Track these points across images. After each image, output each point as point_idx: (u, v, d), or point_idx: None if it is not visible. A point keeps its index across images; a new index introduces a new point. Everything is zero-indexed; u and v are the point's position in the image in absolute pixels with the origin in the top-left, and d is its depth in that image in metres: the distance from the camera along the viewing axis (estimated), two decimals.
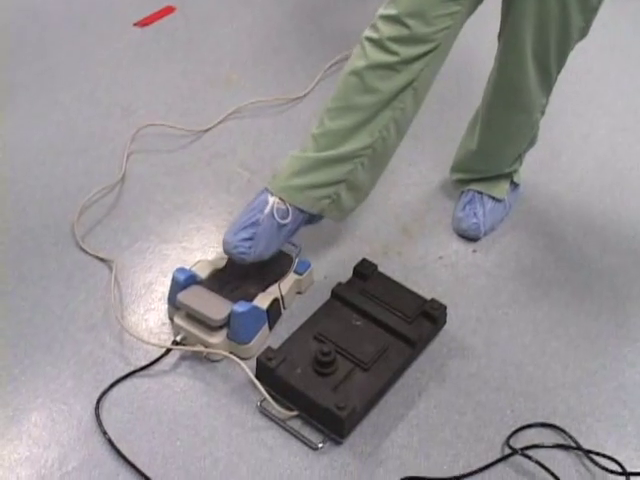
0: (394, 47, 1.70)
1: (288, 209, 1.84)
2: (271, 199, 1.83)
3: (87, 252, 2.02)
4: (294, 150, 1.90)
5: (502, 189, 2.12)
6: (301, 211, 1.86)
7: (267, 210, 1.82)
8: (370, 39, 1.73)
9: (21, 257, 2.01)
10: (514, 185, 2.16)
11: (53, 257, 2.01)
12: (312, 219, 1.92)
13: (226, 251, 1.82)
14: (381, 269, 1.91)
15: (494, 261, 2.04)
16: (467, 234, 2.09)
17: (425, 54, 1.70)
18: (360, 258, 1.93)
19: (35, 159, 2.32)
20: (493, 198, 2.10)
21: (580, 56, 2.79)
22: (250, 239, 1.80)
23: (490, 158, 2.08)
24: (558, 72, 1.91)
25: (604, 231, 2.14)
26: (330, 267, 2.00)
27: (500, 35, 1.86)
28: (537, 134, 2.09)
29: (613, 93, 2.70)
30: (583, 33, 1.84)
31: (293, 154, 1.88)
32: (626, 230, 2.14)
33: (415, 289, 1.88)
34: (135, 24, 2.98)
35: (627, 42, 3.00)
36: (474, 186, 2.14)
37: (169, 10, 3.06)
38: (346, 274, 1.91)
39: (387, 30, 1.70)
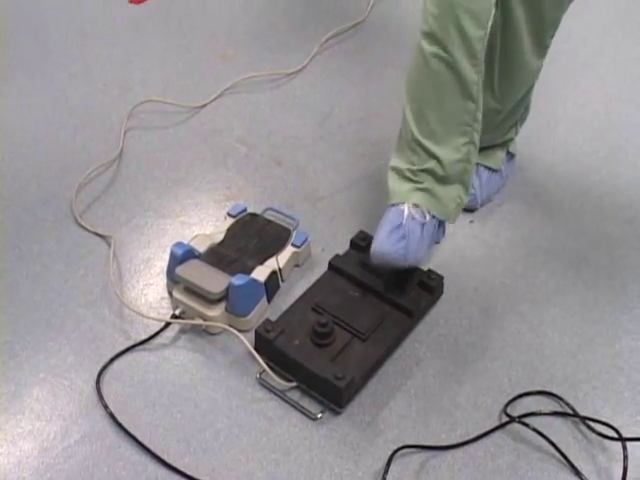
0: None
1: (423, 211, 1.78)
2: (404, 206, 1.78)
3: (85, 228, 2.03)
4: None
5: (498, 159, 2.11)
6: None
7: (406, 213, 1.76)
8: None
9: (20, 234, 2.02)
10: (510, 155, 2.16)
11: (52, 234, 2.02)
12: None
13: (382, 259, 1.74)
14: None
15: (491, 231, 2.05)
16: None
17: None
18: (357, 230, 1.93)
19: (33, 138, 2.33)
20: (489, 169, 2.10)
21: (576, 26, 2.79)
22: (403, 238, 1.73)
23: (486, 127, 2.07)
24: (552, 36, 1.90)
25: (600, 201, 2.15)
26: (327, 239, 2.00)
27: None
28: (530, 103, 2.09)
29: (609, 63, 2.70)
30: None
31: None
32: (622, 199, 2.15)
33: None
34: (130, 1, 2.97)
35: (623, 11, 2.99)
36: None
37: None
38: (343, 246, 1.92)
39: None
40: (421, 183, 1.79)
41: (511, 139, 2.13)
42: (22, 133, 2.34)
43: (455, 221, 1.88)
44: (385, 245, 1.73)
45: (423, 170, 1.79)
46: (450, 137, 1.76)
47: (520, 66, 1.90)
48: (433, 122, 1.76)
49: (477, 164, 2.08)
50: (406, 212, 1.76)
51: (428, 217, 1.78)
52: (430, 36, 1.69)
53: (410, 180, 1.81)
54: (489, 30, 1.67)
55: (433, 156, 1.77)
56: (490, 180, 2.10)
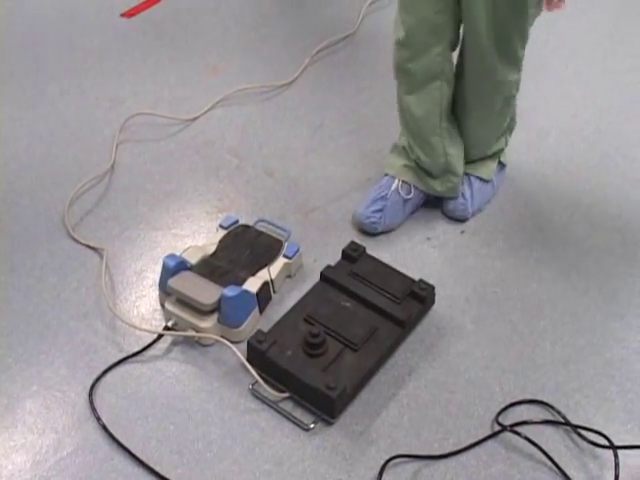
0: None
1: (411, 186, 2.07)
2: (395, 180, 2.08)
3: (78, 241, 2.03)
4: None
5: (489, 170, 2.13)
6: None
7: (393, 187, 2.07)
8: None
9: (12, 247, 2.02)
10: (501, 165, 2.18)
11: (44, 247, 2.02)
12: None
13: (359, 222, 2.06)
14: (369, 251, 1.93)
15: (482, 241, 2.06)
16: (454, 215, 2.10)
17: None
18: (348, 241, 1.94)
19: (25, 151, 2.33)
20: (480, 179, 2.12)
21: (566, 37, 2.82)
22: (380, 210, 2.04)
23: (473, 145, 2.08)
24: (522, 47, 1.90)
25: (591, 210, 2.16)
26: (319, 250, 2.01)
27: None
28: (515, 113, 2.10)
29: (599, 73, 2.71)
30: (540, 5, 1.83)
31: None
32: (612, 209, 2.16)
33: (403, 270, 1.90)
34: (122, 15, 2.98)
35: (612, 23, 3.01)
36: (465, 168, 2.13)
37: (156, 0, 3.06)
38: (335, 257, 1.93)
39: None
40: (413, 161, 2.07)
41: (501, 149, 2.15)
42: (14, 146, 2.35)
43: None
44: (363, 214, 2.04)
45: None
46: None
47: (488, 73, 1.90)
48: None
49: (468, 175, 2.10)
50: (394, 186, 2.07)
51: (413, 193, 2.08)
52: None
53: (405, 157, 2.09)
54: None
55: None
56: (481, 190, 2.12)
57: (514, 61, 1.91)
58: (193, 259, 1.87)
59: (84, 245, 2.02)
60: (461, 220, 2.11)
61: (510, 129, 2.13)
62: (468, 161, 2.13)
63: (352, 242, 1.93)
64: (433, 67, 1.89)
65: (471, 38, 1.85)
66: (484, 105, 1.99)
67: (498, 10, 1.76)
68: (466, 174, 2.12)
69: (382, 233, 2.06)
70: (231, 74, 2.67)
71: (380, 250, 1.99)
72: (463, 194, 2.10)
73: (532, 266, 1.99)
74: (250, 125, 2.45)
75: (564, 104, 2.56)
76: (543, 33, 2.74)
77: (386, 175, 2.11)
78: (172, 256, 1.83)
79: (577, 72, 2.71)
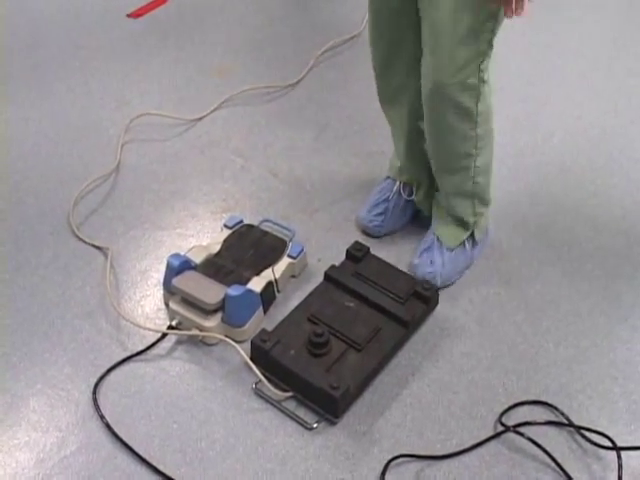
0: None
1: (413, 187, 2.05)
2: (396, 182, 2.07)
3: (83, 240, 2.04)
4: None
5: (457, 239, 1.95)
6: None
7: (395, 188, 2.06)
8: None
9: (18, 246, 2.03)
10: (474, 241, 1.98)
11: (49, 246, 2.03)
12: None
13: (362, 226, 2.07)
14: (373, 251, 1.93)
15: (480, 253, 2.04)
16: (423, 280, 1.90)
17: None
18: (353, 241, 1.95)
19: (30, 150, 2.34)
20: (448, 247, 1.95)
21: (571, 40, 2.82)
22: (382, 213, 2.04)
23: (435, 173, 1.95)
24: (479, 70, 1.67)
25: (595, 212, 2.16)
26: (323, 250, 2.02)
27: None
28: (487, 190, 1.93)
29: (604, 76, 2.71)
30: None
31: None
32: (616, 210, 2.16)
33: (407, 271, 1.91)
34: (128, 15, 2.99)
35: (617, 25, 3.01)
36: (436, 226, 1.98)
37: (162, 1, 3.07)
38: (339, 257, 1.93)
39: None
40: None
41: (476, 223, 1.96)
42: (20, 146, 2.36)
43: None
44: (366, 218, 2.05)
45: None
46: None
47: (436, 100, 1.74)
48: None
49: (440, 240, 1.97)
50: (395, 188, 2.06)
51: (415, 194, 2.05)
52: None
53: None
54: None
55: None
56: (453, 259, 1.95)
57: (468, 83, 1.69)
58: (197, 258, 1.87)
59: (89, 244, 2.03)
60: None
61: (480, 199, 1.93)
62: (441, 218, 1.99)
63: (356, 242, 1.94)
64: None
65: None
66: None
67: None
68: (438, 240, 1.96)
69: (386, 234, 2.06)
70: (236, 75, 2.68)
71: (384, 250, 1.99)
72: (432, 261, 1.93)
73: (536, 267, 1.99)
74: (255, 125, 2.46)
75: (569, 106, 2.56)
76: (548, 36, 2.75)
77: (387, 178, 2.10)
78: (176, 255, 1.84)
79: (582, 74, 2.71)
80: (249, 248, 1.93)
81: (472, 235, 1.97)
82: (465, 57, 1.64)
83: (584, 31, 2.90)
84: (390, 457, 1.57)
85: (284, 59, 2.76)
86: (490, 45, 1.66)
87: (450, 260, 1.93)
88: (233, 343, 1.73)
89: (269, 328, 1.75)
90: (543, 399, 1.69)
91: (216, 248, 1.92)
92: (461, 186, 1.89)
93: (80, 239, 2.04)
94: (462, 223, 1.95)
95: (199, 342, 1.79)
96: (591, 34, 2.90)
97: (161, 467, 1.56)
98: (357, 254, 1.90)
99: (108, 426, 1.63)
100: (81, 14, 3.01)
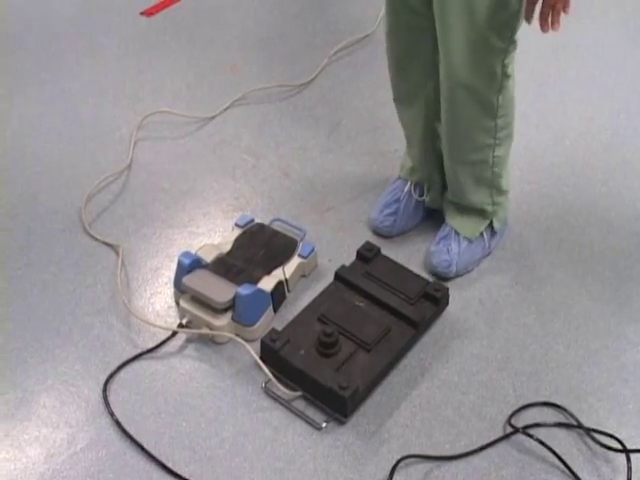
0: None
1: (424, 187, 2.06)
2: (407, 182, 2.07)
3: (94, 237, 2.04)
4: None
5: (473, 228, 1.98)
6: None
7: (406, 189, 2.06)
8: None
9: (30, 243, 2.04)
10: (492, 231, 2.01)
11: (61, 243, 2.04)
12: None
13: (373, 227, 2.07)
14: (384, 251, 1.93)
15: (496, 244, 2.05)
16: (436, 271, 1.95)
17: None
18: (363, 241, 1.95)
19: (43, 147, 2.35)
20: (466, 238, 1.97)
21: (583, 40, 2.81)
22: (394, 214, 2.04)
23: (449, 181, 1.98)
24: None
25: (607, 213, 2.15)
26: (334, 250, 2.02)
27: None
28: (501, 182, 1.94)
29: (617, 76, 2.70)
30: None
31: None
32: (628, 212, 2.15)
33: (417, 271, 1.90)
34: (142, 13, 3.00)
35: (629, 25, 2.99)
36: (450, 220, 2.01)
37: None
38: (350, 257, 1.93)
39: None
40: None
41: (495, 213, 1.99)
42: (32, 142, 2.37)
43: None
44: (377, 219, 2.05)
45: None
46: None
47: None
48: None
49: (457, 232, 1.98)
50: (406, 188, 2.06)
51: (426, 194, 2.06)
52: None
53: None
54: None
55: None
56: (469, 249, 1.97)
57: (486, 106, 1.77)
58: (208, 257, 1.87)
59: (100, 242, 2.04)
60: (443, 278, 1.94)
61: (498, 189, 1.95)
62: (457, 210, 2.01)
63: (367, 242, 1.94)
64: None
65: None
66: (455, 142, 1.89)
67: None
68: (456, 232, 1.98)
69: (397, 234, 2.06)
70: (249, 73, 2.68)
71: (395, 251, 1.99)
72: (448, 249, 1.96)
73: (547, 268, 1.99)
74: (267, 124, 2.46)
75: (581, 107, 2.55)
76: (560, 36, 2.74)
77: (399, 178, 2.10)
78: (187, 254, 1.84)
79: (594, 75, 2.70)
80: (260, 247, 1.93)
81: (490, 224, 1.99)
82: (485, 56, 1.68)
83: (598, 32, 2.89)
84: (399, 457, 1.57)
85: (297, 58, 2.76)
86: (511, 42, 1.69)
87: (467, 249, 1.96)
88: (243, 342, 1.73)
89: (279, 327, 1.75)
90: (553, 401, 1.69)
91: (227, 247, 1.93)
92: (480, 176, 1.91)
93: (92, 236, 2.05)
94: (480, 213, 1.98)
95: (209, 341, 1.79)
96: (605, 35, 2.89)
97: (170, 464, 1.56)
98: (368, 254, 1.90)
99: (118, 423, 1.63)
100: (95, 12, 3.02)
